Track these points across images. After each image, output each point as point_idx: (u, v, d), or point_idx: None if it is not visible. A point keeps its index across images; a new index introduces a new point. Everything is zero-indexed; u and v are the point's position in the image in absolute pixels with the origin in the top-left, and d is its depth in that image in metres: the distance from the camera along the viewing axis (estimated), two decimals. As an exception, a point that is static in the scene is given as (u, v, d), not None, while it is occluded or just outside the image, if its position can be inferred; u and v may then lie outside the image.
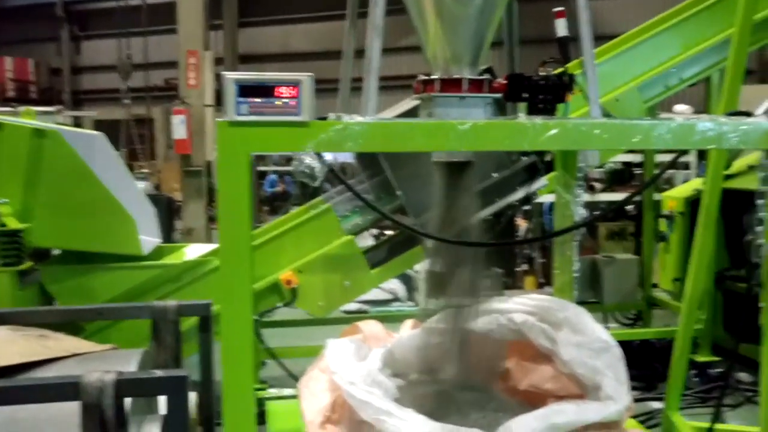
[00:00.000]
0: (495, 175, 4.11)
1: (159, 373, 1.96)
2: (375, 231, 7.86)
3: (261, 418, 3.52)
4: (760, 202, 2.41)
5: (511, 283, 7.98)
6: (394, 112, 4.48)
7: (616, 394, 2.42)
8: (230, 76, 1.94)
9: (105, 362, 2.19)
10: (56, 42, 22.93)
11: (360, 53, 2.42)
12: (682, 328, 3.53)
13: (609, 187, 7.99)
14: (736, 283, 5.32)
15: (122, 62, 11.13)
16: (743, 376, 5.17)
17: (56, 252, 4.44)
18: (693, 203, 5.41)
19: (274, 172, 14.42)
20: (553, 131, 2.03)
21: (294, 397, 2.84)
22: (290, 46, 21.77)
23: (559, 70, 2.53)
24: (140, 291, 4.14)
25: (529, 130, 2.03)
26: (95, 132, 4.42)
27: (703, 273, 3.54)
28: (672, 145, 2.12)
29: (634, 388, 5.01)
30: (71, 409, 1.77)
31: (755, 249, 2.43)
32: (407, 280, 7.93)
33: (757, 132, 2.15)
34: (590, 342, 2.53)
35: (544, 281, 7.91)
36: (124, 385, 1.80)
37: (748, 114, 2.41)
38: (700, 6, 4.64)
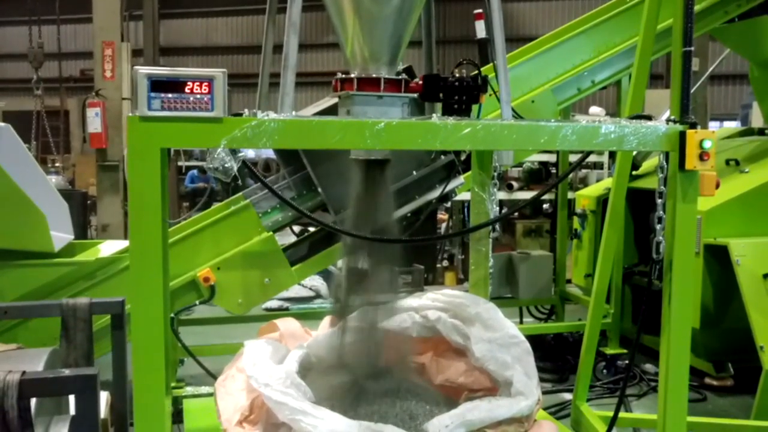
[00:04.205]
0: (415, 173, 4.18)
1: (66, 372, 1.92)
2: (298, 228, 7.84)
3: (178, 416, 3.47)
4: (659, 201, 2.54)
5: (432, 279, 8.14)
6: (316, 108, 4.49)
7: (527, 390, 2.50)
8: (142, 70, 1.91)
9: (9, 362, 2.13)
10: (-39, 28, 21.79)
11: (281, 49, 2.41)
12: (589, 322, 3.69)
13: (526, 185, 8.22)
14: (643, 278, 5.56)
15: (33, 51, 10.60)
16: (649, 367, 5.43)
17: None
18: (604, 202, 5.63)
19: (195, 167, 14.13)
20: (465, 131, 2.09)
21: (211, 395, 2.81)
22: (213, 40, 21.40)
23: (474, 72, 2.59)
24: (51, 289, 4.03)
25: (441, 130, 2.08)
26: (1, 123, 4.24)
27: (608, 269, 3.71)
28: (577, 146, 2.22)
29: (548, 381, 5.25)
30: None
31: (655, 246, 2.56)
32: (330, 277, 7.94)
33: (654, 135, 2.28)
34: (501, 337, 2.61)
35: (464, 277, 8.09)
36: (29, 385, 1.76)
37: (648, 117, 2.54)
38: (610, 13, 4.87)
